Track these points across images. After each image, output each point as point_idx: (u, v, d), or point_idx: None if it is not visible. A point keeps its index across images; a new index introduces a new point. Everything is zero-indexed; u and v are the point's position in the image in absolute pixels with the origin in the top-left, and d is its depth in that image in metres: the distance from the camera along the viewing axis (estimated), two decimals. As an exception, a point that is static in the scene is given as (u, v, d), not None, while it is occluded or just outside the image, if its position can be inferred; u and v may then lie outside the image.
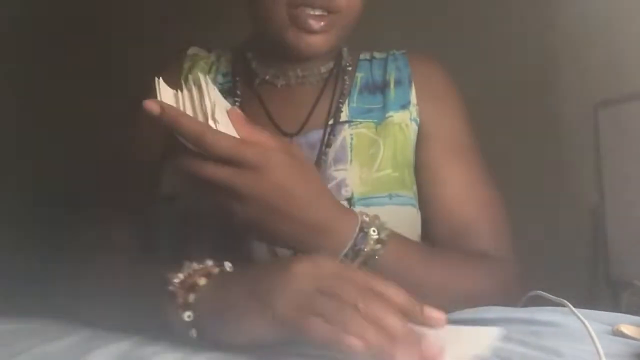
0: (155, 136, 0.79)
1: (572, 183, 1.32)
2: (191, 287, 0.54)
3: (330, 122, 0.81)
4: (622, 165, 1.21)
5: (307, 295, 0.48)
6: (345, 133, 0.80)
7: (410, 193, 0.79)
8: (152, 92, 0.60)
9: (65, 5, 1.53)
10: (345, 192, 0.76)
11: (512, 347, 0.52)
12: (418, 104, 0.83)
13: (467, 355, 0.49)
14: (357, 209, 0.74)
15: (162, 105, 0.57)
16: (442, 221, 0.80)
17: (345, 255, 0.62)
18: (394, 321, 0.47)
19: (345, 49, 0.87)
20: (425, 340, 0.46)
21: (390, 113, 0.82)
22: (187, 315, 0.53)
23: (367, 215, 0.65)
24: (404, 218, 0.78)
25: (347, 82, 0.84)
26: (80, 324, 0.62)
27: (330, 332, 0.46)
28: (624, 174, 1.20)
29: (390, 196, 0.77)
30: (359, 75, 0.86)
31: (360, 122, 0.82)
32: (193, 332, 0.53)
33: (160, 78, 0.60)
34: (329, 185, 0.77)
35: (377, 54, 0.89)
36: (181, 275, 0.55)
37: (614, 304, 1.14)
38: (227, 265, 0.56)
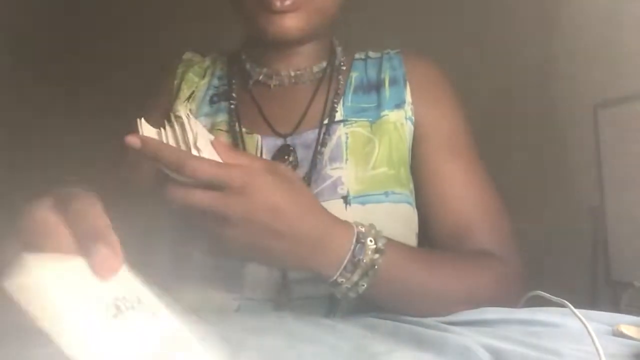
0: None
1: (572, 183, 1.32)
2: None
3: (325, 121, 0.81)
4: (622, 165, 1.21)
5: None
6: (340, 132, 0.81)
7: (407, 191, 0.79)
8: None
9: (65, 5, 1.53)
10: (341, 191, 0.76)
11: (512, 347, 0.52)
12: (413, 103, 0.83)
13: None
14: (353, 208, 0.74)
15: (143, 139, 0.56)
16: (442, 221, 0.80)
17: (345, 268, 0.61)
18: None
19: (339, 49, 0.87)
20: None
21: (385, 112, 0.82)
22: None
23: (362, 225, 0.64)
24: (400, 215, 0.78)
25: (342, 82, 0.84)
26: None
27: None
28: (624, 174, 1.20)
29: (386, 194, 0.77)
30: (354, 74, 0.86)
31: (355, 121, 0.82)
32: None
33: (142, 118, 0.58)
34: (325, 184, 0.77)
35: (371, 54, 0.89)
36: None
37: (614, 304, 1.14)
38: None
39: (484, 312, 0.62)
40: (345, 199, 0.76)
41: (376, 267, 0.62)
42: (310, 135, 0.80)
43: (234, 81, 0.85)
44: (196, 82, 0.88)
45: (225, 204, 0.56)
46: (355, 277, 0.61)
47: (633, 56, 1.15)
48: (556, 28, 1.33)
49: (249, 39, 0.85)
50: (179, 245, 0.65)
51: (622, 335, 0.55)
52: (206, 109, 0.85)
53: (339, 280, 0.61)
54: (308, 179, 0.77)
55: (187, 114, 0.61)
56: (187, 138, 0.58)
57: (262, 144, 0.80)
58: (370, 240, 0.62)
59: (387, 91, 0.84)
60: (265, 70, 0.83)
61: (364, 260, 0.61)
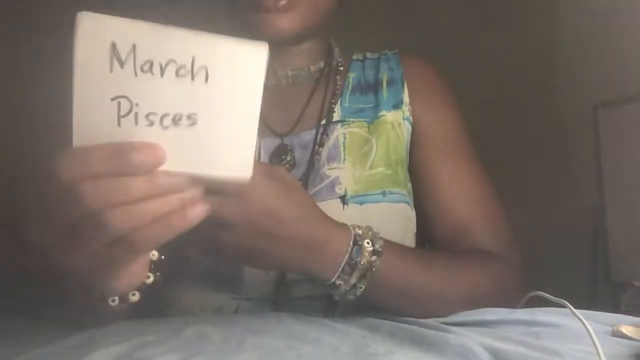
0: None
1: (572, 183, 1.32)
2: None
3: (323, 122, 0.81)
4: (622, 165, 1.21)
5: None
6: (338, 132, 0.81)
7: (404, 190, 0.80)
8: None
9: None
10: (339, 191, 0.76)
11: (513, 348, 0.52)
12: (410, 103, 0.83)
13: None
14: (350, 208, 0.75)
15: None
16: (441, 221, 0.80)
17: (342, 271, 0.62)
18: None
19: (337, 49, 0.87)
20: None
21: (383, 112, 0.82)
22: None
23: (359, 227, 0.64)
24: (398, 215, 0.78)
25: (339, 82, 0.84)
26: (69, 327, 0.61)
27: None
28: (624, 174, 1.20)
29: (383, 193, 0.77)
30: (351, 75, 0.86)
31: (353, 122, 0.82)
32: None
33: None
34: (323, 184, 0.77)
35: (369, 55, 0.89)
36: None
37: (614, 305, 1.14)
38: None
39: (484, 313, 0.62)
40: (343, 199, 0.76)
41: (374, 269, 0.62)
42: (308, 135, 0.80)
43: None
44: None
45: (224, 209, 0.55)
46: (353, 280, 0.62)
47: (633, 57, 1.15)
48: (556, 28, 1.33)
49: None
50: (176, 246, 0.65)
51: (621, 335, 0.55)
52: None
53: (337, 282, 0.62)
54: (306, 179, 0.77)
55: None
56: None
57: (260, 144, 0.79)
58: (368, 242, 0.63)
59: (384, 92, 0.84)
60: None
61: (362, 263, 0.62)
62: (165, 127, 0.46)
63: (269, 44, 0.79)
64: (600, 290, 1.24)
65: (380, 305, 0.66)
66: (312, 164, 0.78)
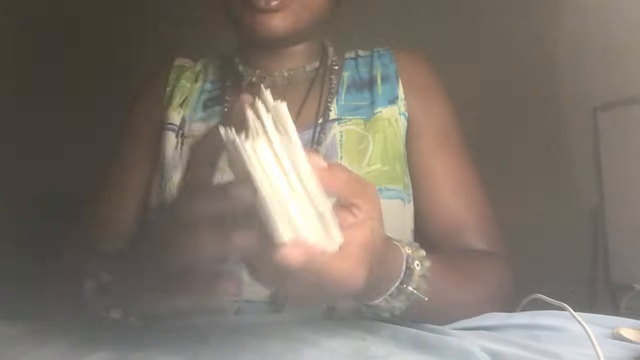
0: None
1: (572, 185, 1.32)
2: None
3: (320, 120, 0.81)
4: (622, 167, 1.21)
5: None
6: (335, 130, 0.81)
7: (400, 186, 0.80)
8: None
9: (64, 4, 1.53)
10: None
11: (513, 351, 0.52)
12: (405, 98, 0.84)
13: None
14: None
15: None
16: (435, 219, 0.80)
17: (390, 294, 0.56)
18: None
19: (331, 49, 0.88)
20: None
21: (379, 109, 0.82)
22: None
23: (409, 246, 0.57)
24: (394, 212, 0.78)
25: (334, 81, 0.85)
26: (69, 328, 0.61)
27: None
28: (624, 175, 1.20)
29: (380, 190, 0.77)
30: (346, 73, 0.87)
31: (349, 119, 0.82)
32: None
33: None
34: None
35: (361, 52, 0.90)
36: None
37: (614, 308, 1.14)
38: None
39: (485, 319, 0.62)
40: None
41: (419, 291, 0.57)
42: (305, 135, 0.80)
43: (227, 84, 0.85)
44: (188, 87, 0.88)
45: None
46: (398, 303, 0.57)
47: (633, 58, 1.15)
48: (556, 29, 1.32)
49: (242, 41, 0.85)
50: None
51: (621, 338, 0.55)
52: (200, 113, 0.85)
53: (380, 304, 0.57)
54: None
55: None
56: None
57: None
58: (417, 265, 0.57)
59: (379, 88, 0.84)
60: (258, 71, 0.83)
61: (410, 288, 0.56)
62: None
63: (265, 44, 0.80)
64: (600, 292, 1.24)
65: (407, 317, 0.60)
66: None
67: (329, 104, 0.82)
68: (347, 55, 0.89)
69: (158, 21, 1.50)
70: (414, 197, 0.81)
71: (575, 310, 0.54)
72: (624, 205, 1.21)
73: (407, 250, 0.57)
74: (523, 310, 0.64)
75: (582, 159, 1.30)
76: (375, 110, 0.82)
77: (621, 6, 1.17)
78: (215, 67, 0.90)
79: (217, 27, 0.86)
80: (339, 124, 0.81)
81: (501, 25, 1.39)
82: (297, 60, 0.84)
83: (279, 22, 0.75)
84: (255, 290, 0.72)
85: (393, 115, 0.82)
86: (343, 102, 0.84)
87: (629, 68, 1.15)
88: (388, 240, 0.55)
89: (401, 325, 0.60)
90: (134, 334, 0.58)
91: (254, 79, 0.83)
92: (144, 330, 0.58)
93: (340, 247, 0.45)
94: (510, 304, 0.70)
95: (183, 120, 0.84)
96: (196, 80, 0.88)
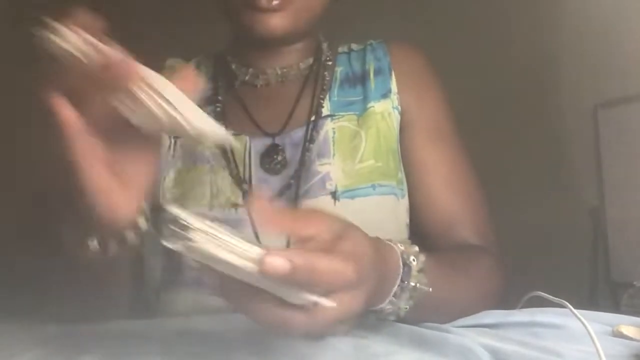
0: None
1: (572, 183, 1.32)
2: None
3: (312, 118, 0.81)
4: (622, 165, 1.21)
5: None
6: (328, 127, 0.81)
7: (394, 182, 0.80)
8: None
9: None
10: (329, 186, 0.77)
11: (513, 348, 0.52)
12: (399, 92, 0.83)
13: None
14: (342, 204, 0.74)
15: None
16: (430, 213, 0.80)
17: (394, 295, 0.54)
18: None
19: (325, 44, 0.87)
20: None
21: (372, 103, 0.82)
22: None
23: (401, 243, 0.57)
24: (388, 208, 0.78)
25: (327, 78, 0.84)
26: (63, 329, 0.61)
27: None
28: (624, 174, 1.20)
29: (373, 186, 0.77)
30: (339, 69, 0.86)
31: (342, 116, 0.82)
32: None
33: None
34: (313, 181, 0.77)
35: (354, 46, 0.89)
36: None
37: (614, 305, 1.14)
38: None
39: (485, 316, 0.62)
40: (334, 195, 0.76)
41: (421, 287, 0.56)
42: (299, 133, 0.80)
43: (219, 84, 0.85)
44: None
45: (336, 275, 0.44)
46: (402, 302, 0.55)
47: (633, 56, 1.15)
48: (556, 28, 1.32)
49: (235, 39, 0.85)
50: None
51: (622, 335, 0.55)
52: None
53: (387, 308, 0.55)
54: (297, 177, 0.77)
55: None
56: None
57: (251, 144, 0.79)
58: (413, 260, 0.56)
59: (372, 82, 0.84)
60: (251, 70, 0.83)
61: (411, 284, 0.55)
62: None
63: (262, 43, 0.79)
64: (600, 290, 1.24)
65: (410, 320, 0.59)
66: (303, 161, 0.78)
67: (322, 101, 0.82)
68: (341, 50, 0.89)
69: (146, 20, 1.50)
70: (408, 191, 0.81)
71: (575, 308, 0.54)
72: (624, 203, 1.21)
73: (401, 247, 0.56)
74: (523, 307, 0.64)
75: (582, 157, 1.30)
76: (368, 105, 0.82)
77: (622, 5, 1.17)
78: (208, 66, 0.89)
79: (206, 25, 0.85)
80: (331, 120, 0.81)
81: (501, 24, 1.39)
82: (291, 58, 0.83)
83: (278, 22, 0.74)
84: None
85: (386, 110, 0.82)
86: (336, 98, 0.83)
87: (630, 66, 1.15)
88: (378, 241, 0.54)
89: (401, 323, 0.60)
90: (130, 333, 0.58)
91: (247, 77, 0.83)
92: (142, 330, 0.58)
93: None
94: (502, 300, 0.70)
95: None
96: None
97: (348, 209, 0.74)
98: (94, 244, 0.52)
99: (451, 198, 0.80)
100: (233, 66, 0.84)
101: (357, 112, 0.82)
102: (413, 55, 0.87)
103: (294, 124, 0.81)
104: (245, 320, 0.63)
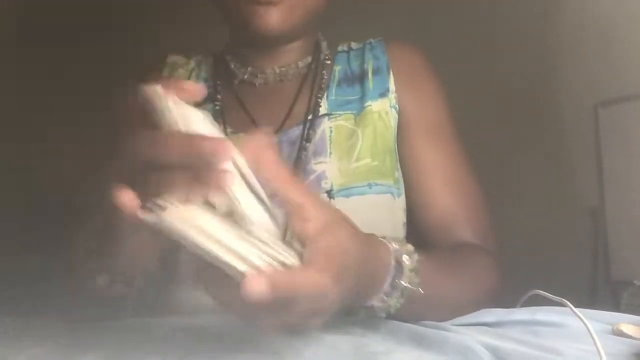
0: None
1: (572, 183, 1.32)
2: None
3: (309, 117, 0.81)
4: (622, 165, 1.21)
5: None
6: (325, 126, 0.81)
7: (390, 181, 0.80)
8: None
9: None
10: (325, 185, 0.77)
11: (512, 346, 0.52)
12: (397, 91, 0.83)
13: None
14: (337, 202, 0.74)
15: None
16: (428, 212, 0.81)
17: (384, 292, 0.55)
18: None
19: (324, 43, 0.87)
20: None
21: (369, 102, 0.82)
22: None
23: (395, 241, 0.57)
24: (385, 207, 0.79)
25: (325, 77, 0.84)
26: (67, 325, 0.61)
27: None
28: (624, 174, 1.20)
29: (369, 185, 0.78)
30: (337, 68, 0.86)
31: (340, 115, 0.82)
32: None
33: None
34: (309, 179, 0.77)
35: (354, 45, 0.90)
36: None
37: (614, 304, 1.14)
38: None
39: (484, 315, 0.62)
40: (329, 193, 0.76)
41: (412, 286, 0.56)
42: (296, 131, 0.80)
43: (218, 82, 0.85)
44: None
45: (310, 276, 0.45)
46: (392, 300, 0.56)
47: (634, 56, 1.15)
48: (556, 27, 1.32)
49: (234, 38, 0.85)
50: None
51: (622, 334, 0.55)
52: None
53: (376, 305, 0.56)
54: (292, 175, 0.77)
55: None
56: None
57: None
58: (406, 259, 0.56)
59: (370, 82, 0.84)
60: (250, 69, 0.83)
61: (403, 282, 0.55)
62: None
63: (259, 40, 0.79)
64: (600, 289, 1.24)
65: (402, 317, 0.59)
66: (300, 159, 0.78)
67: (319, 100, 0.82)
68: (340, 49, 0.89)
69: (147, 20, 1.50)
70: (405, 190, 0.81)
71: (575, 307, 0.54)
72: (624, 202, 1.21)
73: (394, 245, 0.56)
74: (523, 306, 0.64)
75: (582, 157, 1.30)
76: (365, 104, 0.82)
77: (622, 4, 1.17)
78: (207, 65, 0.89)
79: (206, 26, 0.86)
80: (329, 119, 0.81)
81: (501, 22, 1.39)
82: (289, 57, 0.84)
83: (275, 16, 0.75)
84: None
85: (383, 109, 0.82)
86: (334, 97, 0.83)
87: (630, 65, 1.15)
88: (371, 237, 0.55)
89: (400, 321, 0.60)
90: (130, 332, 0.58)
91: (246, 76, 0.83)
92: (140, 329, 0.58)
93: (304, 261, 0.44)
94: (502, 299, 0.70)
95: None
96: (189, 78, 0.88)
97: (344, 208, 0.74)
98: (104, 280, 0.54)
99: (449, 197, 0.80)
100: (232, 65, 0.84)
101: (354, 111, 0.82)
102: (411, 54, 0.87)
103: (292, 122, 0.81)
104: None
